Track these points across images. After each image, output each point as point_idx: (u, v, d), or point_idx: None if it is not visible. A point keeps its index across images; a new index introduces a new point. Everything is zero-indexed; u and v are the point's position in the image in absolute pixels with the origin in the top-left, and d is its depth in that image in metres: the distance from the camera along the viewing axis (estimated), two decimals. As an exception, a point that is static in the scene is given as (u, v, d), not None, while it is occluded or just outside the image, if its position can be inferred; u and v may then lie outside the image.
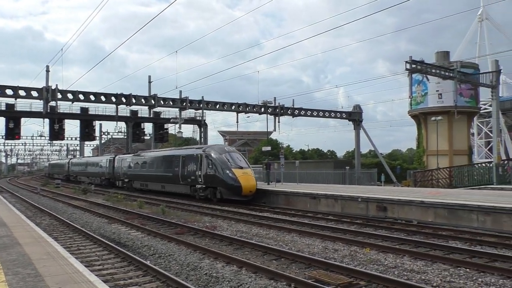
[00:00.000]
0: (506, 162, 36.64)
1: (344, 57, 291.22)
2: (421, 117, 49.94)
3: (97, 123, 49.13)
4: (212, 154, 25.21)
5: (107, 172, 44.55)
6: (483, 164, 38.00)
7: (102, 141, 75.90)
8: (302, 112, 44.37)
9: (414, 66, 28.20)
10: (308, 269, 9.44)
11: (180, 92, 39.45)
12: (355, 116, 46.13)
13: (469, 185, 32.65)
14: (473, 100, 48.47)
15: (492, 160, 39.28)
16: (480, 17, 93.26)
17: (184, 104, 39.22)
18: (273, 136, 68.65)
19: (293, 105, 43.61)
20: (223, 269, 9.52)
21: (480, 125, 76.91)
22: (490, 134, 58.49)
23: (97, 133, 55.37)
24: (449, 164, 43.72)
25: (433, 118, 44.08)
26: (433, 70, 30.57)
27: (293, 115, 44.09)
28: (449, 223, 15.24)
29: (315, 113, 45.09)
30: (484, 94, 48.88)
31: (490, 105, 43.85)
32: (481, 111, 56.86)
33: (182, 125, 41.31)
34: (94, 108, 39.74)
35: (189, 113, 45.21)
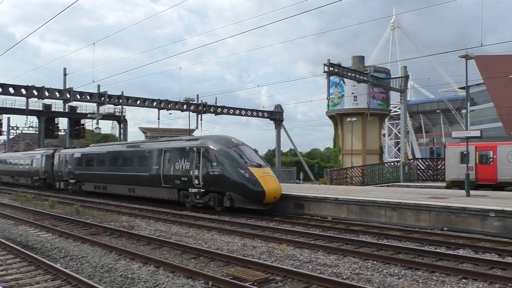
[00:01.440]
0: (411, 161, 39.54)
1: (267, 57, 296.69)
2: (337, 118, 52.31)
3: (4, 117, 45.68)
4: (217, 148, 18.93)
5: (42, 171, 35.27)
6: (392, 163, 40.70)
7: (11, 136, 70.40)
8: (225, 110, 44.58)
9: (332, 69, 29.50)
10: (227, 267, 9.53)
11: (98, 86, 37.88)
12: (276, 116, 47.22)
13: (379, 182, 34.84)
14: (385, 103, 51.68)
15: (400, 159, 42.25)
16: (392, 26, 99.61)
17: (102, 99, 37.64)
18: (196, 134, 68.18)
19: (216, 103, 43.67)
20: (139, 269, 9.30)
21: (391, 126, 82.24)
22: (399, 135, 62.67)
23: (4, 128, 51.21)
24: (362, 163, 46.29)
25: (348, 119, 46.39)
26: (349, 74, 32.19)
27: (216, 113, 44.16)
28: (361, 219, 16.17)
29: (237, 112, 45.51)
30: (394, 97, 52.33)
31: (399, 108, 47.07)
32: (391, 114, 60.84)
33: (100, 120, 39.67)
34: (2, 101, 36.88)
35: (108, 108, 43.57)
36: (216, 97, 43.45)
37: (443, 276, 8.70)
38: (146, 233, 13.95)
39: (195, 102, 42.09)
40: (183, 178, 20.07)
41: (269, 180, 17.90)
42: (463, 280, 8.42)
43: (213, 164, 18.67)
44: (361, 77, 34.11)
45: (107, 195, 26.79)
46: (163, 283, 8.17)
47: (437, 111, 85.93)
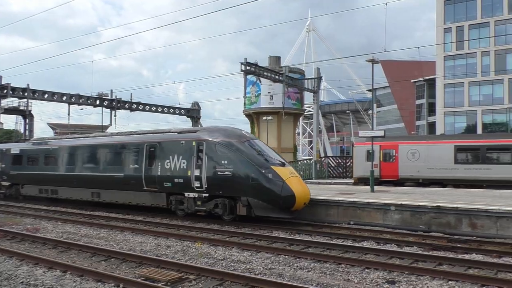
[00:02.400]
0: (323, 159, 41.39)
1: (185, 53, 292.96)
2: (254, 116, 53.12)
3: None
4: (226, 142, 15.29)
5: None
6: (305, 161, 42.24)
7: None
8: (141, 107, 43.26)
9: (249, 68, 29.91)
10: (139, 268, 9.30)
11: (0, 77, 34.83)
12: (193, 113, 46.80)
13: (294, 179, 35.88)
14: (299, 102, 53.43)
15: (312, 157, 44.00)
16: (308, 28, 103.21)
17: (5, 91, 34.72)
18: (110, 130, 65.42)
19: (131, 99, 42.20)
20: (43, 275, 8.76)
21: (305, 125, 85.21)
22: (312, 133, 65.16)
23: None
24: (278, 161, 47.41)
25: (264, 118, 47.34)
26: (265, 73, 32.85)
27: (131, 109, 42.67)
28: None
29: (154, 108, 44.38)
30: (308, 97, 54.34)
31: (313, 108, 49.01)
32: (305, 113, 63.05)
33: (2, 115, 36.58)
34: None
35: (12, 101, 40.36)
36: (131, 93, 41.97)
37: (349, 267, 9.25)
38: (52, 236, 13.15)
39: (109, 97, 40.36)
40: (176, 180, 16.06)
41: (297, 182, 14.83)
42: (366, 270, 9.02)
43: (223, 162, 14.95)
44: (277, 77, 34.97)
45: (58, 200, 22.15)
46: (69, 288, 7.78)
47: (347, 111, 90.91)
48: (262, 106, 51.56)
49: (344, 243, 11.62)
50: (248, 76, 33.32)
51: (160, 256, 10.29)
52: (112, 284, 7.99)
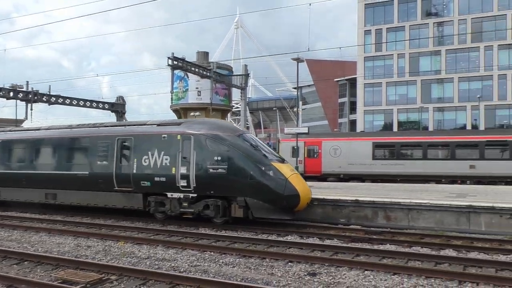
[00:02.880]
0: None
1: (110, 45, 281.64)
2: (181, 112, 52.42)
3: None
4: (219, 136, 13.84)
5: None
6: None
7: None
8: (60, 100, 40.88)
9: (176, 62, 29.39)
10: (56, 270, 8.83)
11: None
12: (118, 108, 45.14)
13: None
14: (227, 99, 53.56)
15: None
16: (236, 25, 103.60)
17: None
18: (25, 125, 61.22)
19: (49, 91, 39.79)
20: None
21: (233, 121, 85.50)
22: (241, 130, 65.49)
23: None
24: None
25: (192, 114, 46.83)
26: (193, 69, 32.48)
27: (50, 102, 40.18)
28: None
29: (75, 102, 42.13)
30: (236, 94, 54.62)
31: (240, 105, 49.35)
32: (233, 109, 63.31)
33: None
34: None
35: None
36: (49, 85, 39.56)
37: (273, 261, 9.45)
38: (-44, 239, 12.09)
39: (24, 89, 37.74)
40: (157, 179, 14.27)
41: (300, 181, 13.78)
42: (289, 263, 9.28)
43: (215, 158, 13.43)
44: (205, 72, 34.73)
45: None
46: (-25, 295, 7.21)
47: (274, 108, 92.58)
48: (190, 101, 51.00)
49: (269, 238, 11.86)
50: (176, 71, 32.75)
51: (80, 257, 9.84)
52: (25, 289, 7.52)
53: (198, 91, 49.11)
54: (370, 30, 60.07)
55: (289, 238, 12.02)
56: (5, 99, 37.66)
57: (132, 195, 14.95)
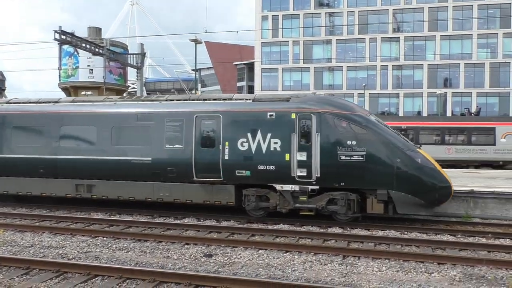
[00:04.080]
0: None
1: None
2: (71, 90, 49.06)
3: None
4: (351, 114, 11.53)
5: None
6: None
7: None
8: None
9: (64, 37, 27.29)
10: None
11: None
12: (-4, 83, 40.85)
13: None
14: (122, 78, 51.23)
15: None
16: (131, 1, 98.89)
17: None
18: None
19: None
20: None
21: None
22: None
23: None
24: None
25: (83, 93, 43.95)
26: (84, 45, 30.43)
27: None
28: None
29: None
30: (132, 74, 52.46)
31: (137, 85, 47.58)
32: (129, 90, 60.82)
33: None
34: None
35: None
36: None
37: (169, 244, 9.37)
38: None
39: None
40: (261, 167, 11.70)
41: (443, 171, 11.69)
42: (186, 245, 9.27)
43: (349, 143, 11.21)
44: (97, 49, 32.75)
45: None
46: None
47: (172, 90, 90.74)
48: (81, 80, 47.89)
49: (166, 221, 11.72)
50: (64, 47, 30.47)
51: (-51, 248, 8.82)
52: None
53: (90, 69, 46.26)
54: (267, 16, 61.33)
55: (186, 220, 11.99)
56: None
57: (219, 187, 12.20)
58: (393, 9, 56.70)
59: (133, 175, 12.75)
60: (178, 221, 11.80)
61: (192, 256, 8.50)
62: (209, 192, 12.28)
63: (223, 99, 12.90)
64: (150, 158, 12.54)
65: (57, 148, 13.45)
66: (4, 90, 41.31)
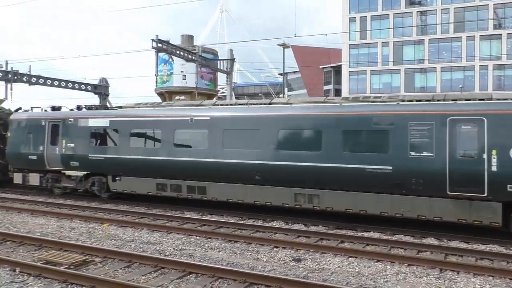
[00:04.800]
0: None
1: (90, 26, 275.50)
2: (166, 95, 51.96)
3: None
4: None
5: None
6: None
7: None
8: (41, 81, 40.03)
9: (161, 45, 28.98)
10: (39, 251, 8.75)
11: None
12: (101, 90, 44.39)
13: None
14: (212, 83, 53.27)
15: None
16: (221, 9, 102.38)
17: None
18: (4, 105, 59.96)
19: (29, 71, 38.92)
20: None
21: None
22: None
23: None
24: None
25: (177, 97, 46.55)
26: (178, 52, 32.08)
27: (30, 82, 39.33)
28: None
29: (56, 83, 41.31)
30: (222, 79, 54.24)
31: (226, 89, 49.09)
32: (218, 94, 62.95)
33: None
34: None
35: None
36: (30, 65, 38.72)
37: (258, 246, 9.51)
38: None
39: (4, 69, 36.83)
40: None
41: None
42: (275, 248, 9.34)
43: None
44: (190, 56, 34.35)
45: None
46: (-43, 276, 7.08)
47: (260, 94, 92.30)
48: (175, 85, 50.59)
49: (255, 223, 11.89)
50: (160, 54, 32.33)
51: (63, 239, 9.75)
52: (7, 269, 7.44)
53: (183, 75, 48.65)
54: (355, 17, 59.99)
55: (275, 223, 12.08)
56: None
57: (480, 204, 10.37)
58: (493, 4, 52.54)
59: (367, 185, 11.33)
60: (266, 224, 11.93)
61: (281, 259, 8.54)
62: (465, 210, 10.49)
63: (480, 99, 11.18)
64: (390, 167, 11.12)
65: (276, 153, 12.37)
66: (107, 95, 44.74)
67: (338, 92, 66.96)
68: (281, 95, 59.73)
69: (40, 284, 6.77)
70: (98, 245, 9.18)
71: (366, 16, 59.23)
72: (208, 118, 13.54)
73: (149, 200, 15.06)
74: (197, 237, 10.25)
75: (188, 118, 13.84)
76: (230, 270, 7.38)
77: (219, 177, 13.13)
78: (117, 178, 15.05)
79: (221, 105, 14.51)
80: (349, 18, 60.33)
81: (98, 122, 15.52)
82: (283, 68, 24.99)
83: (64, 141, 15.93)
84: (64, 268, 7.46)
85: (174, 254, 8.79)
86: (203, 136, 13.50)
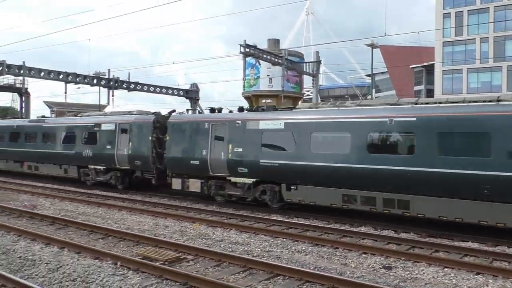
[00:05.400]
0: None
1: (181, 34, 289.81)
2: (253, 99, 53.01)
3: None
4: None
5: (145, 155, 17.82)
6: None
7: None
8: (139, 87, 43.01)
9: (248, 50, 29.66)
10: (137, 247, 9.34)
11: (-5, 54, 34.51)
12: (192, 94, 46.58)
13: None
14: (298, 86, 53.32)
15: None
16: (306, 11, 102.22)
17: (0, 68, 34.39)
18: (107, 110, 65.12)
19: (128, 78, 41.95)
20: (41, 250, 8.78)
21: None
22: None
23: None
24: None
25: (263, 101, 47.19)
26: (265, 56, 32.61)
27: (129, 89, 42.44)
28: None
29: (152, 89, 44.14)
30: (307, 81, 54.09)
31: (312, 92, 48.86)
32: (304, 97, 62.87)
33: (-3, 91, 36.36)
34: None
35: (7, 79, 40.06)
36: (129, 73, 41.82)
37: (346, 251, 9.30)
38: (50, 213, 13.17)
39: (107, 76, 40.10)
40: None
41: None
42: (363, 255, 9.08)
43: None
44: (276, 59, 34.73)
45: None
46: (67, 264, 7.81)
47: (346, 96, 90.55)
48: (261, 88, 51.45)
49: (342, 228, 11.67)
50: (247, 58, 33.10)
51: (158, 236, 10.32)
52: (109, 262, 8.01)
53: (269, 78, 49.32)
54: (450, 13, 56.45)
55: (362, 229, 11.74)
56: (89, 85, 40.27)
57: None
58: None
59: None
60: (354, 229, 11.63)
61: (370, 266, 8.28)
62: None
63: None
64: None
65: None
66: (198, 100, 46.72)
67: (430, 92, 63.47)
68: (368, 97, 58.05)
69: (138, 278, 7.22)
70: (190, 243, 9.59)
71: (462, 11, 55.52)
72: (414, 119, 11.47)
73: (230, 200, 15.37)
74: (284, 239, 10.29)
75: (387, 119, 11.85)
76: (318, 274, 7.30)
77: (429, 190, 11.08)
78: (292, 187, 13.49)
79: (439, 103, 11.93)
80: (443, 14, 56.97)
81: (271, 124, 13.97)
82: (371, 69, 24.23)
83: (230, 145, 14.56)
84: (159, 263, 7.89)
85: (261, 255, 8.90)
86: (410, 141, 11.59)
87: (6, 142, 24.55)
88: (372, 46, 22.38)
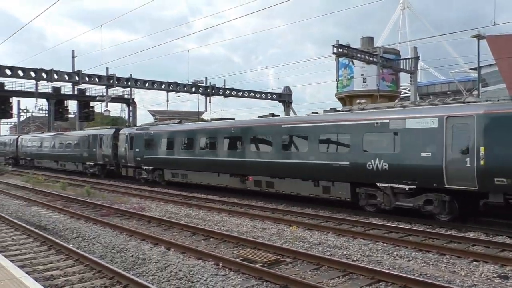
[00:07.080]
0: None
1: (274, 38, 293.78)
2: (347, 100, 51.94)
3: (14, 100, 46.01)
4: None
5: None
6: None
7: (21, 119, 71.05)
8: (233, 93, 44.44)
9: (341, 50, 29.16)
10: (237, 248, 9.59)
11: (107, 68, 37.92)
12: (285, 98, 47.01)
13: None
14: (394, 84, 51.18)
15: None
16: (402, 5, 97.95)
17: (111, 81, 37.72)
18: (205, 116, 68.16)
19: (224, 85, 43.56)
20: (150, 250, 9.40)
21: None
22: (409, 117, 61.87)
23: (14, 110, 51.34)
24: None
25: (358, 101, 45.91)
26: (358, 55, 31.82)
27: (225, 95, 44.04)
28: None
29: (246, 94, 45.34)
30: (404, 79, 51.73)
31: (409, 90, 46.57)
32: (401, 95, 60.15)
33: (109, 103, 39.85)
34: (11, 84, 36.87)
35: (117, 91, 43.72)
36: (224, 79, 43.44)
37: (454, 258, 8.68)
38: (156, 215, 14.07)
39: (204, 84, 42.03)
40: None
41: None
42: (474, 262, 8.40)
43: None
44: (371, 58, 33.70)
45: None
46: (173, 264, 8.26)
47: (448, 92, 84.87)
48: (355, 89, 50.27)
49: (448, 233, 10.92)
50: (340, 59, 32.53)
51: (256, 238, 10.50)
52: (212, 263, 8.32)
53: (363, 78, 48.02)
54: None
55: (472, 234, 10.87)
56: (188, 93, 42.50)
57: None
58: None
59: None
60: (462, 234, 10.81)
61: (482, 274, 7.63)
62: None
63: None
64: None
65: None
66: (291, 103, 46.98)
67: (547, 84, 57.03)
68: (474, 92, 53.88)
69: (239, 279, 7.41)
70: (288, 246, 9.62)
71: None
72: None
73: (321, 203, 15.13)
74: (384, 244, 9.89)
75: None
76: (423, 282, 6.90)
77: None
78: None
79: None
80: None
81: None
82: (478, 61, 22.43)
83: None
84: (259, 265, 8.02)
85: (361, 260, 8.65)
86: None
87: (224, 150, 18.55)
88: (479, 37, 20.63)
